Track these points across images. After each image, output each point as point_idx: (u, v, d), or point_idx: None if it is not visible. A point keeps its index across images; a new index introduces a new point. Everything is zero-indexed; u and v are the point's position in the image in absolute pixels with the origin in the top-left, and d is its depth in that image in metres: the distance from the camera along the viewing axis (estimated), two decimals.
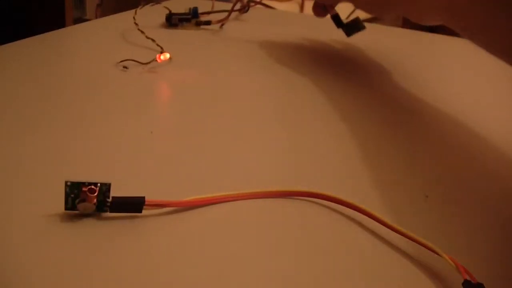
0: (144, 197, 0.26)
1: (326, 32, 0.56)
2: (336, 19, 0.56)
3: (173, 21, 0.61)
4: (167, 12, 0.61)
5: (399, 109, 0.44)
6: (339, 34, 0.56)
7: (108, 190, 0.25)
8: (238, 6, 0.68)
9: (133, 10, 0.54)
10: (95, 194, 0.25)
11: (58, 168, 0.30)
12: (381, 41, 0.65)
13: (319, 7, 0.56)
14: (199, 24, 0.62)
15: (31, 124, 0.34)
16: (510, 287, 0.24)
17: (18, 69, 0.44)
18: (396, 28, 0.75)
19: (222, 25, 0.62)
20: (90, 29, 0.60)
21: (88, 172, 0.30)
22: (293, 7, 1.49)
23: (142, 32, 0.50)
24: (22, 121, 0.35)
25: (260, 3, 0.74)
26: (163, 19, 0.61)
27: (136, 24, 0.51)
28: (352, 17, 0.57)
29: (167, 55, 0.48)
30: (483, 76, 0.56)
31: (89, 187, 0.25)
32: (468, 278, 0.23)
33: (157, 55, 0.48)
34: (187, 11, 0.62)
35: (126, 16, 0.54)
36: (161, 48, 0.49)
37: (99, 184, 0.25)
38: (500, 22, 0.33)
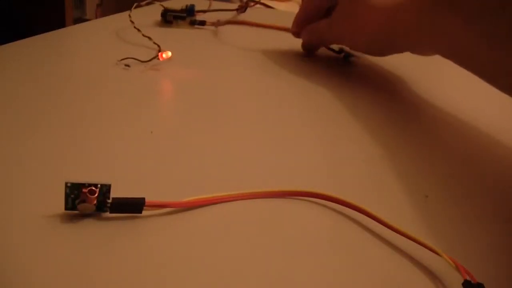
0: (144, 198, 0.26)
1: None
2: (331, 49, 0.56)
3: (168, 18, 0.61)
4: (163, 9, 0.61)
5: (399, 109, 0.44)
6: None
7: (108, 191, 0.25)
8: (236, 6, 0.68)
9: (131, 9, 0.54)
10: (95, 195, 0.25)
11: (58, 168, 0.30)
12: None
13: (308, 47, 0.57)
14: (193, 23, 0.62)
15: (31, 124, 0.34)
16: (510, 287, 0.24)
17: (18, 69, 0.44)
18: None
19: (217, 26, 0.62)
20: (90, 29, 0.60)
21: (88, 172, 0.30)
22: (293, 7, 1.49)
23: (139, 30, 0.50)
24: (22, 121, 0.35)
25: (260, 2, 0.74)
26: (159, 17, 0.62)
27: (132, 22, 0.51)
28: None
29: (169, 53, 0.48)
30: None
31: (89, 188, 0.25)
32: (468, 278, 0.23)
33: (159, 53, 0.48)
34: (183, 8, 0.62)
35: (125, 16, 0.54)
36: (158, 46, 0.49)
37: (99, 185, 0.25)
38: (501, 61, 0.35)
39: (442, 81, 0.54)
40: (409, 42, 0.44)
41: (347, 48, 0.55)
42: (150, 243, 0.25)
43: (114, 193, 0.25)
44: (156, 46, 0.49)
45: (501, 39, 0.35)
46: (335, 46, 0.56)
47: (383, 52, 0.49)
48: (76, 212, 0.25)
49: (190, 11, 0.61)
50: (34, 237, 0.24)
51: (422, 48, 0.44)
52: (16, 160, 0.30)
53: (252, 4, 0.70)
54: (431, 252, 0.24)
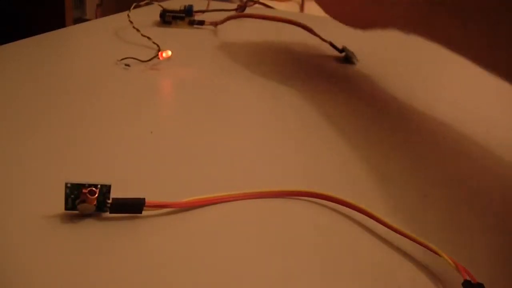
0: (144, 199, 0.26)
1: (326, 32, 0.57)
2: (333, 47, 0.56)
3: (166, 18, 0.61)
4: (161, 9, 0.61)
5: (398, 109, 0.44)
6: (335, 34, 0.56)
7: (108, 191, 0.25)
8: (235, 6, 0.68)
9: (130, 10, 0.54)
10: (95, 196, 0.25)
11: (58, 168, 0.30)
12: (381, 41, 0.65)
13: None
14: (192, 23, 0.62)
15: (31, 124, 0.34)
16: (510, 287, 0.24)
17: (18, 69, 0.44)
18: None
19: (216, 26, 0.62)
20: (90, 29, 0.60)
21: (88, 172, 0.30)
22: (293, 7, 1.49)
23: (138, 30, 0.50)
24: (22, 121, 0.35)
25: (259, 2, 0.74)
26: (158, 18, 0.62)
27: (130, 22, 0.51)
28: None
29: (169, 52, 0.48)
30: (483, 76, 0.56)
31: (90, 188, 0.25)
32: (468, 278, 0.23)
33: (159, 53, 0.48)
34: (182, 8, 0.62)
35: (125, 16, 0.54)
36: (158, 46, 0.49)
37: (99, 186, 0.25)
38: (501, 61, 0.35)
39: (442, 82, 0.54)
40: (401, 30, 0.43)
41: (348, 48, 0.55)
42: (150, 243, 0.25)
43: (114, 193, 0.25)
44: (155, 46, 0.49)
45: (502, 38, 0.35)
46: (338, 45, 0.56)
47: (365, 26, 0.47)
48: (76, 212, 0.25)
49: (188, 11, 0.61)
50: (34, 237, 0.24)
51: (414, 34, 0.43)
52: (16, 160, 0.30)
53: (251, 3, 0.70)
54: (431, 252, 0.24)
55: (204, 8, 0.65)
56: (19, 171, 0.29)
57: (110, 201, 0.25)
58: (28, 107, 0.37)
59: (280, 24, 0.61)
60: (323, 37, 0.57)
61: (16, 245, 0.23)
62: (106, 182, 0.25)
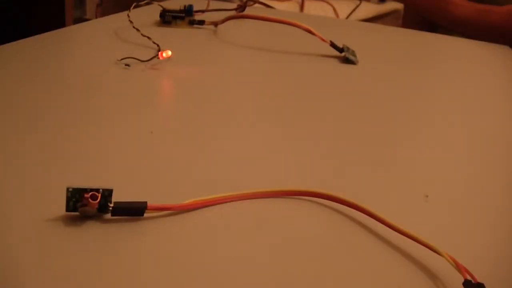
0: (146, 202, 0.25)
1: (325, 32, 0.57)
2: (334, 46, 0.56)
3: (166, 18, 0.61)
4: (161, 9, 0.61)
5: (399, 109, 0.44)
6: (335, 34, 0.56)
7: (110, 195, 0.25)
8: (235, 5, 0.68)
9: (130, 9, 0.54)
10: (97, 200, 0.25)
11: (59, 169, 0.30)
12: (381, 41, 0.65)
13: None
14: (192, 23, 0.62)
15: (31, 125, 0.34)
16: (510, 287, 0.24)
17: (18, 69, 0.44)
18: (396, 28, 0.75)
19: (216, 25, 0.62)
20: (90, 29, 0.60)
21: (88, 173, 0.30)
22: (293, 7, 1.49)
23: (138, 30, 0.50)
24: (22, 122, 0.35)
25: (259, 2, 0.74)
26: (158, 17, 0.62)
27: (131, 22, 0.51)
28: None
29: (169, 52, 0.48)
30: (482, 75, 0.56)
31: (92, 193, 0.24)
32: (468, 277, 0.23)
33: (159, 53, 0.48)
34: (182, 8, 0.62)
35: (125, 16, 0.54)
36: (158, 45, 0.49)
37: (101, 190, 0.25)
38: None
39: (441, 76, 0.54)
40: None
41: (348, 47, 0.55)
42: (152, 244, 0.25)
43: (115, 193, 0.25)
44: (155, 46, 0.49)
45: None
46: (339, 44, 0.56)
47: None
48: (77, 213, 0.25)
49: (188, 11, 0.61)
50: (36, 238, 0.24)
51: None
52: (17, 161, 0.30)
53: (251, 3, 0.70)
54: (432, 252, 0.24)
55: (204, 8, 0.65)
56: (20, 171, 0.29)
57: (112, 204, 0.25)
58: (28, 108, 0.37)
59: (280, 24, 0.61)
60: (323, 37, 0.57)
61: (18, 246, 0.23)
62: (108, 186, 0.25)
